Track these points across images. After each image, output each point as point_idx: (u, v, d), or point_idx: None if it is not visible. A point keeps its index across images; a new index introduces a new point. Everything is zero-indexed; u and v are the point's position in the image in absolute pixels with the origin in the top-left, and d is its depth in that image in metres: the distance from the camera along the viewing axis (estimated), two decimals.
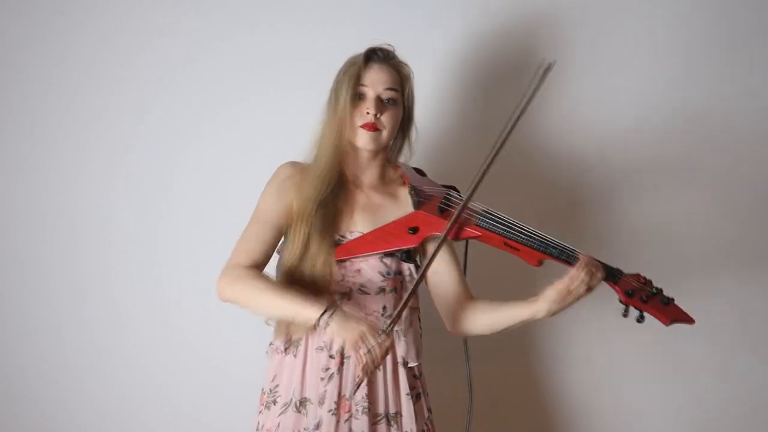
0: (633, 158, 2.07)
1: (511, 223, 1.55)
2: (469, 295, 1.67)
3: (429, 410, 1.69)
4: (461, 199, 1.61)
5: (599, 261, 1.49)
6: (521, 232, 1.52)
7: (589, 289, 1.47)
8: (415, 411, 1.61)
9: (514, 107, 1.50)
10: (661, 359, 2.13)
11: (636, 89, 2.07)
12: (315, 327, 1.47)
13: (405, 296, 1.54)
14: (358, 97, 1.60)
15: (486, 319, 1.61)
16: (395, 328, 1.57)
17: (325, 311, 1.46)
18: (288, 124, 1.67)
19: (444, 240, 1.55)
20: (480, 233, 1.56)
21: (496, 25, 2.00)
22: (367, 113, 1.59)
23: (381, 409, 1.60)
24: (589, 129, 2.07)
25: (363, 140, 1.60)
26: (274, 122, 1.92)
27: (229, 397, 2.01)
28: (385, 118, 1.60)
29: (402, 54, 1.65)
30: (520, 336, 2.09)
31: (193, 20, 1.95)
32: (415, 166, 1.74)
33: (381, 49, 1.63)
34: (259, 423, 1.63)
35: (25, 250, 1.99)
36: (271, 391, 1.63)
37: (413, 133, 1.70)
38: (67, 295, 2.01)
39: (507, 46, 1.98)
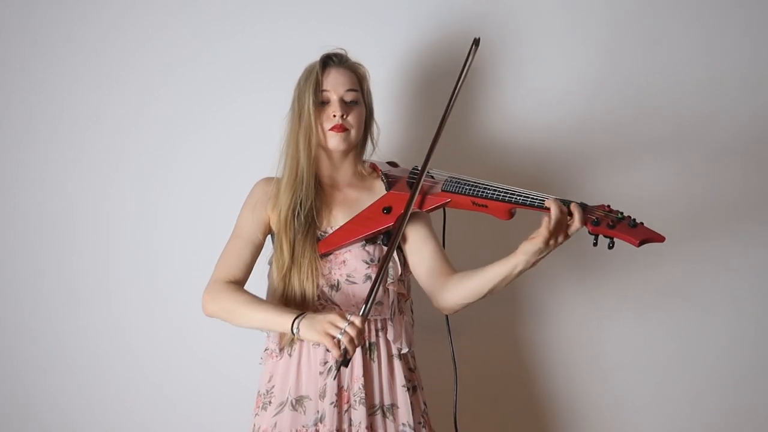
0: (601, 134, 2.08)
1: (475, 182, 1.54)
2: (450, 269, 1.63)
3: (425, 403, 1.68)
4: (429, 174, 1.64)
5: (566, 201, 1.43)
6: (486, 188, 1.51)
7: (566, 236, 1.43)
8: (411, 403, 1.61)
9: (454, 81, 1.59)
10: (647, 318, 2.12)
11: (589, 66, 2.09)
12: (292, 335, 1.49)
13: (379, 274, 1.51)
14: (321, 103, 1.64)
15: (469, 285, 1.55)
16: (372, 314, 1.58)
17: (295, 318, 1.48)
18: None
19: (410, 202, 1.56)
20: (449, 198, 1.56)
21: (444, 26, 2.04)
22: (334, 116, 1.62)
23: (377, 400, 1.59)
24: (548, 112, 2.08)
25: (334, 142, 1.64)
26: (271, 123, 1.88)
27: (225, 401, 2.01)
28: (351, 118, 1.64)
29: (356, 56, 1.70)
30: (505, 311, 2.09)
31: (189, 23, 2.02)
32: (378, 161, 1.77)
33: (335, 54, 1.68)
34: (255, 425, 1.64)
35: (22, 253, 2.03)
36: (267, 392, 1.63)
37: (374, 129, 1.73)
38: (64, 297, 2.03)
39: (454, 44, 2.00)
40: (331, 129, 1.64)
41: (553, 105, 2.07)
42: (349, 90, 1.65)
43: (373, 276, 1.60)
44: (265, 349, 1.67)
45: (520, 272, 1.49)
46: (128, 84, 2.03)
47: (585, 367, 2.12)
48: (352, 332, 1.43)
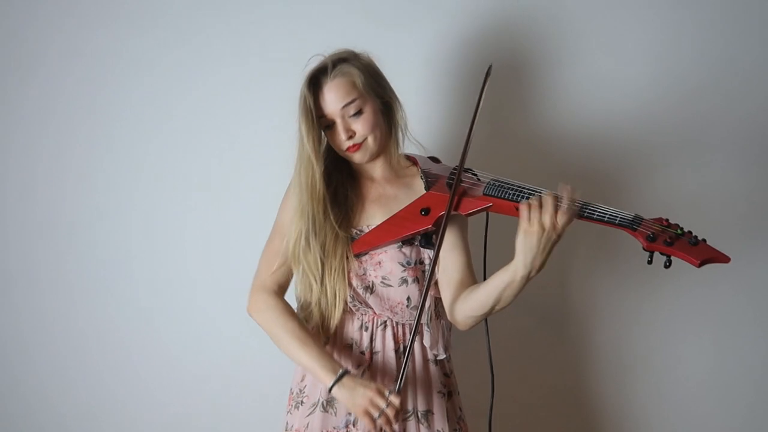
0: (648, 130, 1.97)
1: (520, 187, 1.44)
2: (472, 282, 1.52)
3: (460, 409, 1.64)
4: (470, 174, 1.55)
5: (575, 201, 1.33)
6: (532, 193, 1.40)
7: (555, 226, 1.29)
8: (446, 409, 1.57)
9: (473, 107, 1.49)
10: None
11: (644, 61, 1.97)
12: (329, 393, 1.49)
13: (422, 295, 1.47)
14: (328, 128, 1.54)
15: (473, 298, 1.45)
16: (422, 320, 1.55)
17: (335, 381, 1.47)
18: (285, 122, 1.60)
19: (450, 209, 1.47)
20: (491, 202, 1.46)
21: (486, 21, 1.95)
22: (343, 140, 1.52)
23: (410, 405, 1.56)
24: (601, 103, 1.97)
25: (356, 159, 1.55)
26: (272, 120, 1.87)
27: (258, 396, 2.00)
28: (360, 130, 1.52)
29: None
30: (544, 317, 2.03)
31: (200, 26, 1.97)
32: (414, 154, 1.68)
33: (319, 70, 1.52)
34: (287, 423, 1.62)
35: (44, 255, 2.01)
36: (300, 391, 1.61)
37: (401, 116, 1.59)
38: (93, 296, 2.02)
39: (497, 33, 1.93)
40: (347, 150, 1.54)
41: (605, 98, 1.97)
42: (345, 105, 1.51)
43: (409, 279, 1.55)
44: None
45: (524, 278, 1.35)
46: (141, 84, 1.97)
47: (627, 377, 2.06)
48: (391, 413, 1.43)
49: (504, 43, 1.91)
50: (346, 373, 1.48)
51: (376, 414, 1.43)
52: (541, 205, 1.31)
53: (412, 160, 1.65)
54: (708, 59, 1.97)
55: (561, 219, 1.30)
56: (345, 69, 1.52)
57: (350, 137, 1.52)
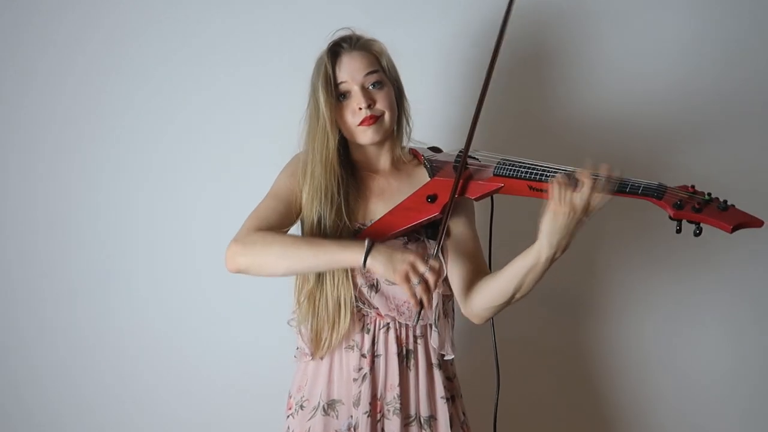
0: (675, 110, 1.91)
1: (532, 164, 1.36)
2: (486, 272, 1.47)
3: (464, 413, 1.56)
4: (474, 158, 1.47)
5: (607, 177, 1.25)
6: (546, 171, 1.33)
7: (587, 205, 1.24)
8: (450, 414, 1.49)
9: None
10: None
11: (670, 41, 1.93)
12: (363, 267, 1.33)
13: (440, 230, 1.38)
14: (341, 97, 1.47)
15: (493, 286, 1.39)
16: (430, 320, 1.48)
17: (366, 253, 1.32)
18: (289, 118, 1.55)
19: (455, 187, 1.39)
20: (502, 183, 1.38)
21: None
22: (360, 109, 1.45)
23: (413, 410, 1.47)
24: (621, 84, 1.93)
25: (367, 137, 1.46)
26: (275, 117, 1.82)
27: (254, 400, 1.96)
28: (381, 103, 1.46)
29: (404, 44, 1.55)
30: (549, 312, 1.96)
31: (196, 18, 1.94)
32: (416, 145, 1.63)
33: (343, 39, 1.50)
34: (288, 428, 1.54)
35: (48, 253, 1.98)
36: (301, 396, 1.53)
37: (407, 106, 1.55)
38: (94, 295, 1.98)
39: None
40: (361, 123, 1.46)
41: (624, 76, 1.92)
42: (369, 73, 1.47)
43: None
44: (297, 348, 1.54)
45: (549, 260, 1.31)
46: (134, 79, 1.96)
47: (636, 374, 1.98)
48: (431, 279, 1.31)
49: (522, 26, 1.87)
50: (373, 242, 1.34)
51: (416, 280, 1.30)
52: (572, 184, 1.24)
53: (413, 152, 1.58)
54: (738, 35, 1.92)
55: (595, 198, 1.24)
56: (371, 44, 1.51)
57: (369, 105, 1.45)
